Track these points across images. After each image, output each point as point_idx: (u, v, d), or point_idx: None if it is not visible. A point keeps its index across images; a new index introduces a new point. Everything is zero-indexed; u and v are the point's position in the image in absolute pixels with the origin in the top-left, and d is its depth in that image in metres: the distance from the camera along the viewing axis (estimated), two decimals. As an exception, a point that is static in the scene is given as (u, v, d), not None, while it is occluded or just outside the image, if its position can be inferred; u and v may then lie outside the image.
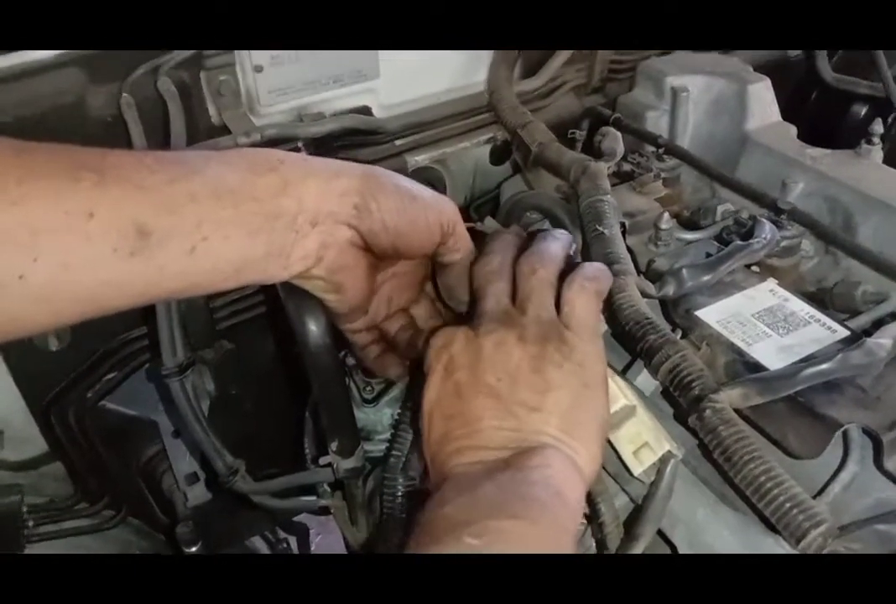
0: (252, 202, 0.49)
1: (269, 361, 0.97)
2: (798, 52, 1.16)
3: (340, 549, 0.96)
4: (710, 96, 0.90)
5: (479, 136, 0.96)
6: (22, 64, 0.72)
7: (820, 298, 0.70)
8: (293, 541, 1.21)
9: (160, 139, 0.79)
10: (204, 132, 0.82)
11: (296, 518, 1.24)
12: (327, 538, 1.48)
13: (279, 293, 0.58)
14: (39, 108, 0.74)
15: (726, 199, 0.80)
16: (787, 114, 0.90)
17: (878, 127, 0.80)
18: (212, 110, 0.83)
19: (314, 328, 0.57)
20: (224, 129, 0.83)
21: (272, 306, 0.91)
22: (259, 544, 1.22)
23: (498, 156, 1.00)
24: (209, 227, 0.48)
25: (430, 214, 0.55)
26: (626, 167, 0.83)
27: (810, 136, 0.87)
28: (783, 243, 0.71)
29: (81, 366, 0.83)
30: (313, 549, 1.29)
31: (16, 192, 0.42)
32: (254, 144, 0.81)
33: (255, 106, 0.85)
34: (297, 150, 0.85)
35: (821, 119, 1.11)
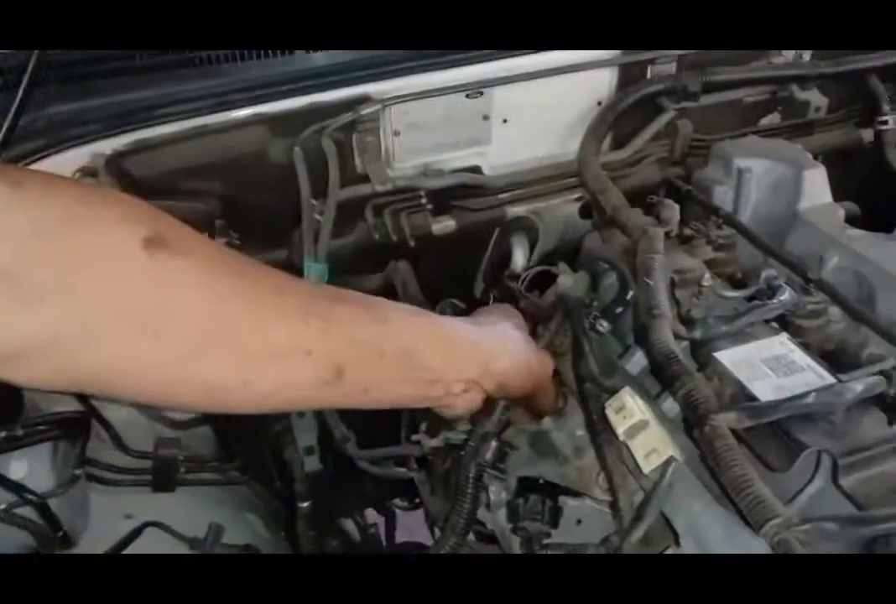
0: (424, 369, 0.68)
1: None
2: (869, 139, 1.29)
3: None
4: (770, 178, 1.03)
5: (570, 194, 1.15)
6: (223, 122, 0.96)
7: (835, 356, 0.85)
8: (381, 523, 1.41)
9: (319, 178, 1.01)
10: (350, 179, 1.05)
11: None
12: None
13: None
14: (233, 153, 0.98)
15: (772, 266, 0.95)
16: (856, 198, 1.02)
17: (910, 215, 0.95)
18: (357, 162, 1.05)
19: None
20: (365, 178, 1.05)
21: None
22: (349, 528, 1.40)
23: (586, 211, 1.18)
24: (385, 381, 0.67)
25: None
26: (688, 232, 1.00)
27: (875, 218, 0.99)
28: (809, 307, 0.86)
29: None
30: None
31: (269, 325, 0.57)
32: (387, 190, 1.04)
33: (391, 161, 1.07)
34: (419, 197, 1.07)
35: (887, 204, 1.23)
